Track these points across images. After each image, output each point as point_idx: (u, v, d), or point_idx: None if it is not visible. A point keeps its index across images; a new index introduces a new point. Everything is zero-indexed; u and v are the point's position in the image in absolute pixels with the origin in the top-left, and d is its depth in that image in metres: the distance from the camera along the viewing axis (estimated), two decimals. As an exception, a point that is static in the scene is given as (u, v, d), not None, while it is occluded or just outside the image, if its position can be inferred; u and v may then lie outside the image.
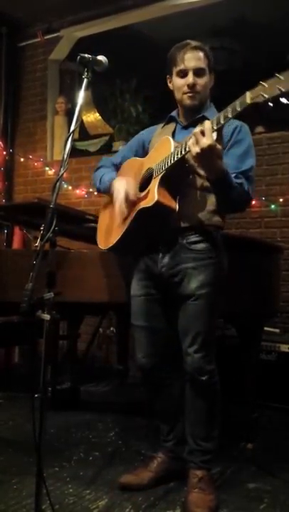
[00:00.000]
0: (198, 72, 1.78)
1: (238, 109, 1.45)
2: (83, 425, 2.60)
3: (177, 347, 1.83)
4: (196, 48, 1.80)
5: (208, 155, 1.54)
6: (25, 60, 4.84)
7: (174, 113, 1.93)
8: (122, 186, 1.82)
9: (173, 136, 1.84)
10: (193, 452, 1.82)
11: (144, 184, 1.81)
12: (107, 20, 4.25)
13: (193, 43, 1.81)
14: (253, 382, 2.42)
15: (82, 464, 2.10)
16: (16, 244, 4.22)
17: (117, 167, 2.04)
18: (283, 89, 1.36)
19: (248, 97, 1.42)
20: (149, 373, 1.94)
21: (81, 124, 4.55)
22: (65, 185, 4.27)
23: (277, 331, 3.10)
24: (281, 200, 3.53)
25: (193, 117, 1.83)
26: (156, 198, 1.65)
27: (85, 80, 1.62)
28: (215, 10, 4.08)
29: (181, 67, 1.78)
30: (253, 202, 3.62)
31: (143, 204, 1.73)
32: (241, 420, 2.43)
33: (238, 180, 1.70)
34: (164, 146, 1.75)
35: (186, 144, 1.59)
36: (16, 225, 4.01)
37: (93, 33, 4.40)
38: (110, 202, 1.94)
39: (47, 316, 1.35)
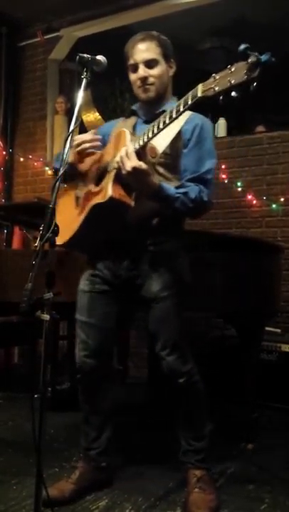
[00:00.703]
0: (149, 64, 1.73)
1: (190, 101, 1.40)
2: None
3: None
4: (144, 39, 1.75)
5: (134, 175, 1.54)
6: (25, 59, 4.84)
7: (135, 106, 1.88)
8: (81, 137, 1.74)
9: (134, 129, 1.79)
10: (187, 453, 1.81)
11: (101, 178, 1.74)
12: (107, 20, 4.24)
13: (143, 34, 1.76)
14: (253, 382, 2.42)
15: (82, 465, 2.10)
16: (16, 244, 4.22)
17: None
18: (233, 82, 1.29)
19: (200, 90, 1.37)
20: (89, 374, 1.84)
21: (81, 124, 4.53)
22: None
23: (278, 330, 3.09)
24: (282, 199, 3.53)
25: (153, 110, 1.78)
26: (109, 194, 1.59)
27: (84, 80, 1.62)
28: (214, 10, 4.08)
29: (131, 61, 1.75)
30: (254, 201, 3.64)
31: (96, 200, 1.65)
32: (241, 420, 2.42)
33: (182, 190, 1.67)
34: (120, 139, 1.68)
35: (140, 141, 1.57)
36: (15, 225, 4.00)
37: (93, 32, 4.40)
38: (64, 190, 1.88)
39: (47, 316, 1.35)
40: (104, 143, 1.84)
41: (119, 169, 1.59)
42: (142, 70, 1.74)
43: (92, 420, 1.89)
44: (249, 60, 1.26)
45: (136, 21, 4.15)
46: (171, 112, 1.47)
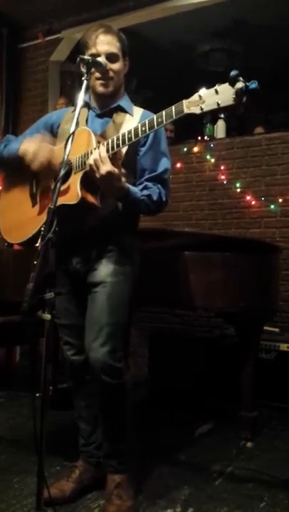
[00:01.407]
0: (110, 58, 1.71)
1: (174, 116, 1.42)
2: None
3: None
4: (107, 31, 1.72)
5: (107, 179, 1.55)
6: (26, 61, 4.85)
7: (86, 98, 1.81)
8: (35, 147, 1.72)
9: (86, 123, 1.78)
10: (109, 455, 1.75)
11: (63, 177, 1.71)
12: (108, 21, 4.24)
13: (104, 27, 1.74)
14: (252, 381, 2.43)
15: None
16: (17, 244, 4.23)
17: None
18: (221, 104, 1.33)
19: (185, 106, 1.39)
20: (81, 369, 1.82)
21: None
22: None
23: (276, 330, 3.11)
24: (280, 200, 3.54)
25: (107, 105, 1.78)
26: (80, 196, 1.58)
27: (85, 82, 1.63)
28: (215, 11, 4.09)
29: (93, 51, 1.70)
30: (253, 202, 3.65)
31: (63, 200, 1.60)
32: (241, 420, 2.44)
33: (146, 192, 1.70)
34: (84, 138, 1.65)
35: (110, 145, 1.56)
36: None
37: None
38: (13, 185, 1.84)
39: (47, 316, 1.36)
40: (52, 133, 1.84)
41: (89, 171, 1.58)
42: (103, 61, 1.70)
43: (86, 415, 1.89)
44: (237, 86, 1.31)
45: (137, 23, 4.17)
46: (150, 123, 1.47)
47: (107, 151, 1.56)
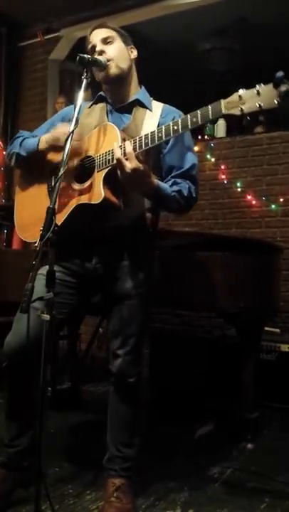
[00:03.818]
0: (105, 40, 1.72)
1: (210, 117, 1.39)
2: (83, 425, 2.59)
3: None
4: (102, 25, 1.76)
5: (134, 177, 1.50)
6: (25, 59, 4.85)
7: (102, 92, 1.81)
8: (60, 131, 1.67)
9: (107, 118, 1.75)
10: (114, 459, 1.73)
11: (82, 174, 1.65)
12: (107, 20, 4.23)
13: (102, 22, 1.78)
14: (253, 382, 2.42)
15: (82, 465, 2.10)
16: (16, 244, 4.22)
17: None
18: (263, 106, 1.30)
19: (224, 106, 1.36)
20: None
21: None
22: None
23: (277, 330, 3.10)
24: (281, 200, 3.54)
25: (124, 99, 1.76)
26: (103, 195, 1.53)
27: (85, 80, 1.61)
28: (215, 10, 4.08)
29: (90, 45, 1.74)
30: (254, 202, 3.64)
31: (85, 200, 1.58)
32: (241, 420, 2.43)
33: (176, 188, 1.66)
34: (108, 134, 1.61)
35: (137, 143, 1.52)
36: (16, 225, 4.00)
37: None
38: (30, 181, 1.81)
39: (47, 316, 1.35)
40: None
41: (113, 169, 1.54)
42: (100, 46, 1.71)
43: (18, 414, 1.75)
44: (281, 88, 1.27)
45: (136, 22, 4.16)
46: (184, 123, 1.44)
47: (135, 148, 1.51)
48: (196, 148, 3.89)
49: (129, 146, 1.50)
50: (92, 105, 1.83)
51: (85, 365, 3.53)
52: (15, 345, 1.64)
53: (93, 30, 1.76)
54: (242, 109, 1.32)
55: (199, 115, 1.41)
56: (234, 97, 1.35)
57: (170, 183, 1.70)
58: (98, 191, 1.56)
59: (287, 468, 2.12)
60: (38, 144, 1.74)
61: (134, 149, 1.51)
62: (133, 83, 1.79)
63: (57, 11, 4.42)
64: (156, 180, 1.61)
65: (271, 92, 1.29)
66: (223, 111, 1.36)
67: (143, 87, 1.82)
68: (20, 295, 1.30)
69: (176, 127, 1.46)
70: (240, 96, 1.33)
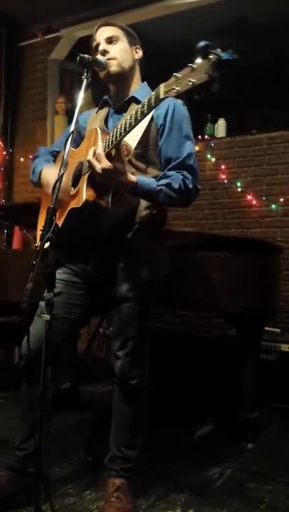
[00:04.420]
0: (109, 40, 1.73)
1: (153, 104, 1.34)
2: (83, 425, 2.59)
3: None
4: (107, 24, 1.77)
5: (106, 177, 1.50)
6: (26, 60, 4.85)
7: (106, 96, 1.83)
8: (49, 176, 1.72)
9: (106, 121, 1.77)
10: (115, 459, 1.73)
11: (77, 180, 1.68)
12: (107, 20, 4.21)
13: (107, 21, 1.79)
14: (253, 382, 2.42)
15: (83, 465, 2.10)
16: (16, 244, 4.22)
17: (54, 156, 1.93)
18: (194, 82, 1.20)
19: (162, 91, 1.30)
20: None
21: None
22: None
23: (277, 330, 3.10)
24: (281, 199, 3.54)
25: (123, 95, 1.75)
26: (84, 199, 1.55)
27: (85, 81, 1.61)
28: (215, 10, 4.08)
29: (94, 43, 1.75)
30: (254, 202, 3.64)
31: (74, 204, 1.62)
32: (241, 420, 2.42)
33: (164, 181, 1.60)
34: (91, 138, 1.63)
35: (109, 141, 1.52)
36: (16, 225, 4.01)
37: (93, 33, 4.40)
38: (45, 195, 1.84)
39: (47, 316, 1.35)
40: (81, 137, 1.82)
41: (91, 171, 1.55)
42: (103, 46, 1.72)
43: (27, 416, 1.81)
44: (210, 58, 1.19)
45: (136, 22, 4.15)
46: (136, 113, 1.41)
47: (106, 148, 1.51)
48: (196, 148, 3.89)
49: (99, 147, 1.51)
50: (98, 111, 1.85)
51: (85, 365, 3.53)
52: (32, 347, 1.61)
53: (99, 27, 1.77)
54: (177, 90, 1.25)
55: (146, 103, 1.37)
56: (172, 79, 1.28)
57: (159, 177, 1.66)
58: (81, 195, 1.58)
59: (287, 468, 2.12)
60: (39, 179, 1.82)
61: (105, 148, 1.51)
62: (134, 83, 1.79)
63: (57, 11, 4.42)
64: (134, 177, 1.58)
65: (203, 65, 1.21)
66: (161, 95, 1.30)
67: (145, 83, 1.81)
68: (21, 295, 1.30)
69: (130, 121, 1.43)
70: (176, 76, 1.26)
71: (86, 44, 1.81)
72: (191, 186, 1.64)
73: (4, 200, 4.77)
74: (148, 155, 1.68)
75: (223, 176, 3.76)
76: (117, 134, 1.48)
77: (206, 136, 4.00)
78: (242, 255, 2.30)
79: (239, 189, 3.71)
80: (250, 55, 4.79)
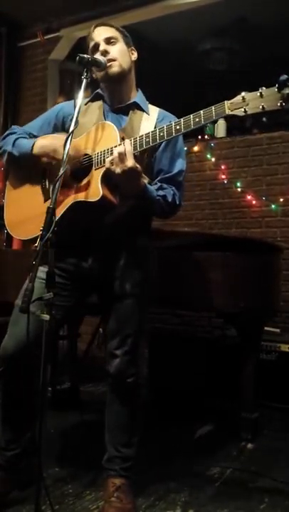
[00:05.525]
0: (109, 40, 1.72)
1: (214, 117, 1.44)
2: (83, 425, 2.59)
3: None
4: (104, 24, 1.77)
5: (128, 176, 1.51)
6: (25, 59, 4.84)
7: (100, 90, 1.81)
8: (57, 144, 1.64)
9: (104, 117, 1.75)
10: (113, 459, 1.73)
11: (79, 172, 1.64)
12: (107, 20, 4.23)
13: (103, 22, 1.79)
14: (253, 382, 2.42)
15: (82, 465, 2.10)
16: (16, 244, 4.22)
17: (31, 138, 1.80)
18: (266, 108, 1.37)
19: (227, 107, 1.41)
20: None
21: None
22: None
23: (277, 330, 3.10)
24: (281, 199, 3.54)
25: (122, 101, 1.76)
26: (101, 193, 1.54)
27: (85, 80, 1.61)
28: (215, 10, 4.08)
29: (92, 43, 1.74)
30: (254, 202, 3.64)
31: (82, 197, 1.58)
32: (241, 421, 2.42)
33: (162, 192, 1.68)
34: (107, 133, 1.61)
35: (137, 142, 1.54)
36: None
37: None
38: (23, 178, 1.78)
39: (47, 316, 1.35)
40: (63, 125, 1.80)
41: (110, 167, 1.54)
42: (103, 46, 1.71)
43: (15, 417, 1.75)
44: (285, 91, 1.33)
45: (136, 22, 4.16)
46: (186, 122, 1.47)
47: (135, 147, 1.53)
48: (196, 148, 3.90)
49: (128, 145, 1.51)
50: (88, 102, 1.82)
51: (85, 365, 3.53)
52: (13, 349, 1.61)
53: (96, 27, 1.76)
54: (245, 110, 1.39)
55: (202, 115, 1.45)
56: (238, 98, 1.41)
57: (156, 186, 1.70)
58: (96, 189, 1.56)
59: (287, 468, 2.12)
60: (32, 148, 1.71)
61: (135, 148, 1.53)
62: (132, 85, 1.80)
63: (57, 11, 4.42)
64: (144, 182, 1.62)
65: (274, 94, 1.35)
66: (227, 111, 1.41)
67: (140, 90, 1.83)
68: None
69: (178, 127, 1.49)
70: (243, 97, 1.40)
71: (86, 44, 1.80)
72: (178, 202, 1.73)
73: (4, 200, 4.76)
74: (144, 161, 1.69)
75: (223, 176, 3.76)
76: (156, 136, 1.51)
77: (206, 136, 4.00)
78: (242, 255, 2.30)
79: (239, 189, 3.70)
80: (249, 55, 4.81)
